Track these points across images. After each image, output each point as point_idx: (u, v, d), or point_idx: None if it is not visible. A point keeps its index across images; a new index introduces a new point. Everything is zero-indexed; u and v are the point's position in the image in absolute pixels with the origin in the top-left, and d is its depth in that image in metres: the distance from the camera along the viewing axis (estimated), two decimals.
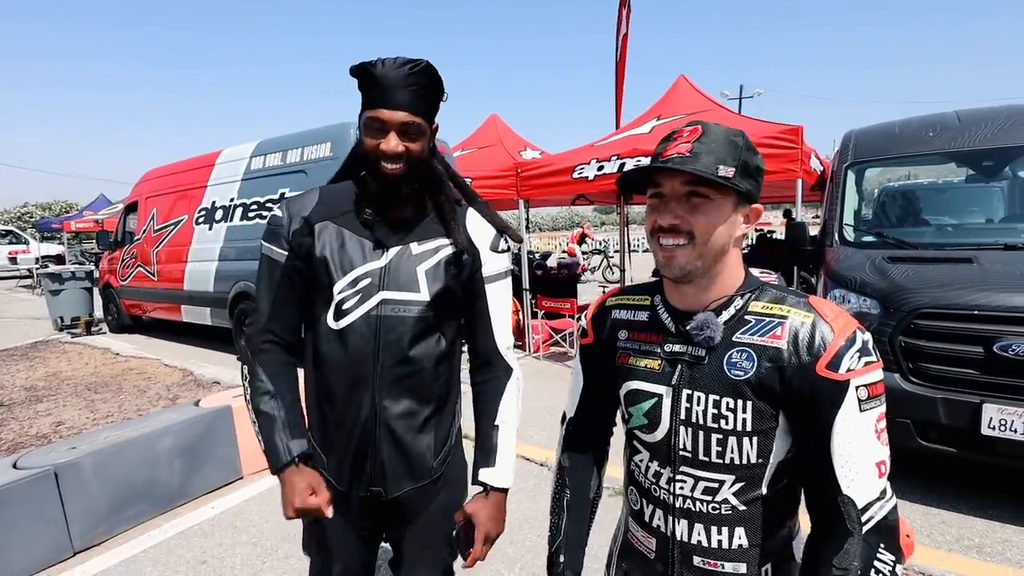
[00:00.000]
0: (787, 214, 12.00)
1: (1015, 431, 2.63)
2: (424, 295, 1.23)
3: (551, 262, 10.26)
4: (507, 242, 1.38)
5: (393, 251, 1.24)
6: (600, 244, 16.37)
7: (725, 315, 0.92)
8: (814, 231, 4.54)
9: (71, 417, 4.63)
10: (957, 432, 2.82)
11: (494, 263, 1.33)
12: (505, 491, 1.28)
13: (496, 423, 1.30)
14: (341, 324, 1.21)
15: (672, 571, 0.98)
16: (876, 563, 0.81)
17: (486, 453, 1.29)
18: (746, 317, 0.91)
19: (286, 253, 1.24)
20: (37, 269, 15.21)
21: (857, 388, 0.83)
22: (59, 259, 18.62)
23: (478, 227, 1.33)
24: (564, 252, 17.14)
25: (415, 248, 1.26)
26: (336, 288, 1.21)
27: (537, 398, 4.76)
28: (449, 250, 1.26)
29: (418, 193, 1.25)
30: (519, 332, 6.94)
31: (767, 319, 0.90)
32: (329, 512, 1.20)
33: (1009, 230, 3.61)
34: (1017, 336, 2.66)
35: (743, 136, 0.90)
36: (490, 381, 1.33)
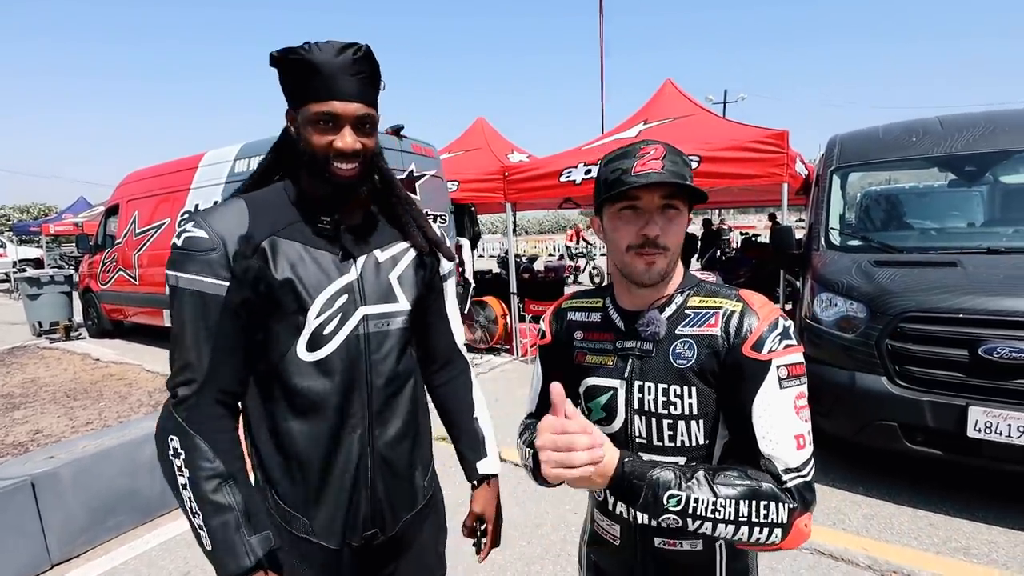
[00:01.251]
0: (772, 217, 12.14)
1: (1000, 433, 2.66)
2: (404, 304, 1.17)
3: (538, 265, 10.25)
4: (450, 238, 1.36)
5: (361, 260, 1.13)
6: (586, 248, 16.42)
7: (668, 311, 1.02)
8: (798, 235, 4.59)
9: (49, 425, 4.51)
10: (943, 435, 2.84)
11: (447, 264, 1.33)
12: (497, 475, 1.35)
13: (475, 415, 1.35)
14: (321, 354, 1.05)
15: (636, 554, 1.06)
16: (782, 498, 0.86)
17: (475, 446, 1.33)
18: (686, 311, 1.01)
19: (227, 283, 0.99)
20: (14, 273, 14.87)
21: (778, 367, 0.91)
22: (38, 263, 18.24)
23: (434, 227, 1.31)
24: (567, 244, 17.26)
25: (380, 255, 1.16)
26: (311, 312, 1.04)
27: (521, 403, 4.73)
28: (412, 253, 1.21)
29: (370, 194, 1.15)
30: (507, 336, 6.93)
31: (703, 311, 1.00)
32: None
33: (991, 234, 3.66)
34: (1001, 339, 2.70)
35: (685, 155, 1.00)
36: (457, 377, 1.36)
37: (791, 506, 0.85)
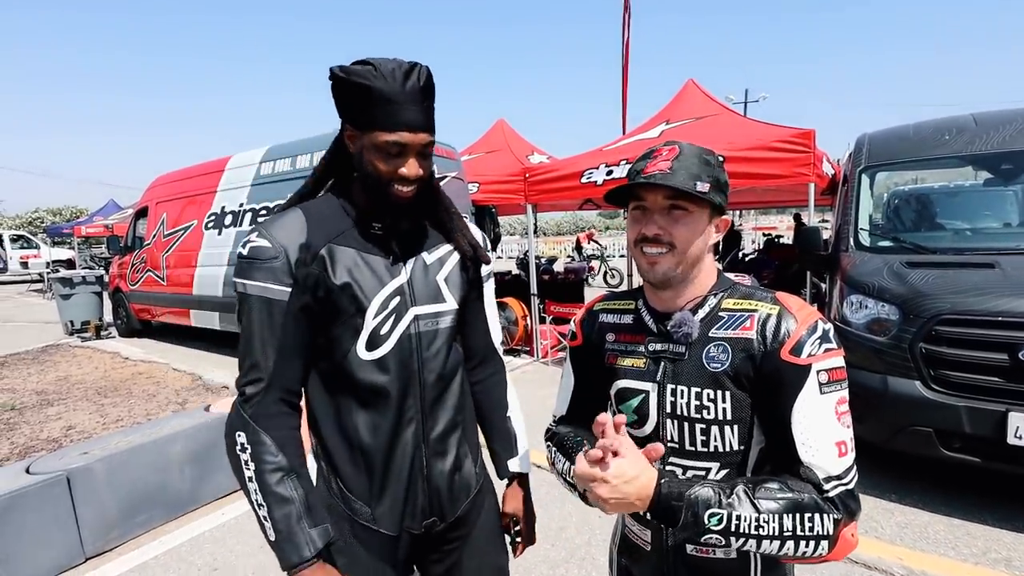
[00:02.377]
0: (797, 218, 11.93)
1: None
2: (452, 303, 1.22)
3: (557, 267, 10.22)
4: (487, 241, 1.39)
5: (410, 263, 1.18)
6: (597, 250, 16.55)
7: (701, 313, 1.00)
8: (824, 236, 4.49)
9: (81, 421, 4.63)
10: (982, 441, 2.75)
11: (486, 269, 1.36)
12: (528, 474, 1.38)
13: (508, 415, 1.39)
14: (379, 352, 1.11)
15: (667, 561, 1.04)
16: (827, 508, 0.84)
17: (507, 444, 1.37)
18: (720, 313, 0.99)
19: (289, 289, 1.05)
20: (48, 273, 15.32)
21: (818, 372, 0.89)
22: (70, 264, 18.80)
23: (474, 230, 1.34)
24: (578, 244, 17.41)
25: (427, 258, 1.21)
26: (369, 314, 1.10)
27: (545, 403, 4.72)
28: (457, 255, 1.26)
29: (424, 206, 1.20)
30: (527, 338, 6.91)
31: (738, 313, 0.98)
32: None
33: None
34: None
35: (714, 155, 0.98)
36: (493, 376, 1.39)
37: (836, 516, 0.84)
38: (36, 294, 16.63)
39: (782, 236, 15.78)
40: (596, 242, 16.90)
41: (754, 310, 0.97)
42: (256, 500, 1.02)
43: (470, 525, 1.27)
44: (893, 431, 3.00)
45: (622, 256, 20.85)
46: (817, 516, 0.83)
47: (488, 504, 1.33)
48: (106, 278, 9.79)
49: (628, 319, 1.10)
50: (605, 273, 14.85)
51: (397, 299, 1.13)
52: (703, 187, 0.93)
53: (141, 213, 8.81)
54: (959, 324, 2.83)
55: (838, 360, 0.91)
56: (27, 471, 2.71)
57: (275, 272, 1.04)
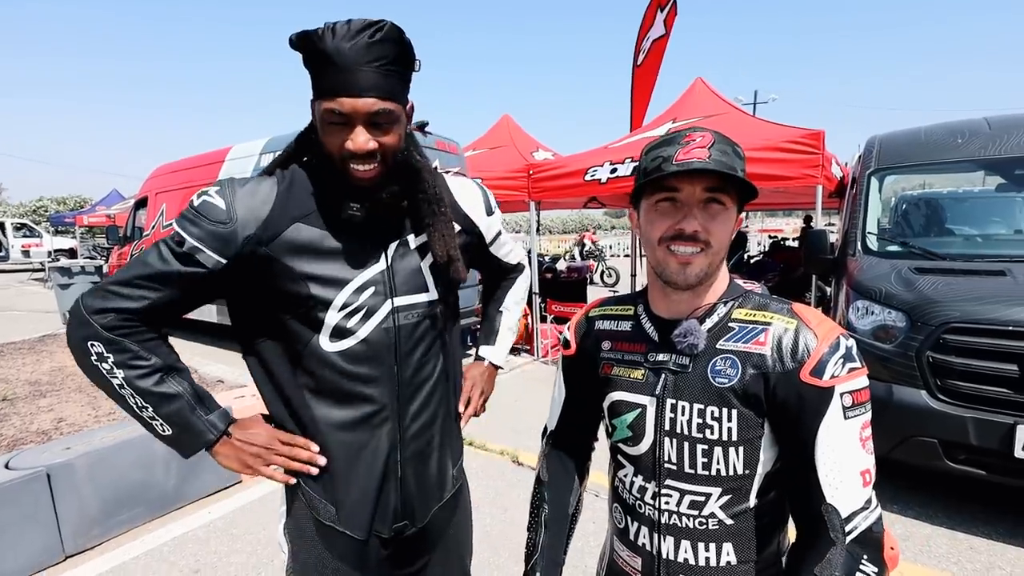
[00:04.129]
0: (807, 220, 11.83)
1: None
2: (434, 294, 1.11)
3: (560, 265, 10.14)
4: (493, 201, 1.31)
5: (391, 248, 1.05)
6: (594, 249, 16.67)
7: (709, 322, 0.91)
8: (831, 239, 4.39)
9: (72, 414, 4.57)
10: (988, 454, 2.67)
11: (494, 227, 1.28)
12: (498, 368, 1.42)
13: (501, 308, 1.43)
14: (345, 344, 1.01)
15: None
16: (858, 574, 0.79)
17: (488, 332, 1.42)
18: (729, 324, 0.91)
19: (224, 261, 0.94)
20: (49, 263, 15.33)
21: (842, 395, 0.82)
22: (71, 253, 18.81)
23: (467, 195, 1.22)
24: (582, 241, 17.56)
25: (412, 242, 1.09)
26: (333, 306, 0.99)
27: (542, 402, 4.65)
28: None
29: (401, 192, 1.05)
30: (528, 336, 6.84)
31: (750, 326, 0.89)
32: (321, 460, 1.02)
33: None
34: None
35: (739, 146, 0.89)
36: (505, 281, 1.45)
37: (869, 570, 0.80)
38: (37, 283, 16.63)
39: (788, 239, 15.69)
40: (593, 242, 17.01)
41: (768, 323, 0.88)
42: (136, 404, 0.93)
43: (440, 531, 1.19)
44: (897, 441, 2.91)
45: (626, 255, 20.78)
46: None
47: (461, 510, 1.26)
48: (106, 268, 9.76)
49: (626, 326, 1.01)
50: (602, 272, 14.85)
51: (371, 289, 1.02)
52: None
53: (141, 203, 8.77)
54: (968, 333, 2.74)
55: (863, 380, 0.84)
56: (6, 466, 2.65)
57: (216, 239, 0.93)
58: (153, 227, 8.22)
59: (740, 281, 0.99)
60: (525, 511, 1.32)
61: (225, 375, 5.54)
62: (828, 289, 5.42)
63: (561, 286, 8.27)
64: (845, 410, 0.81)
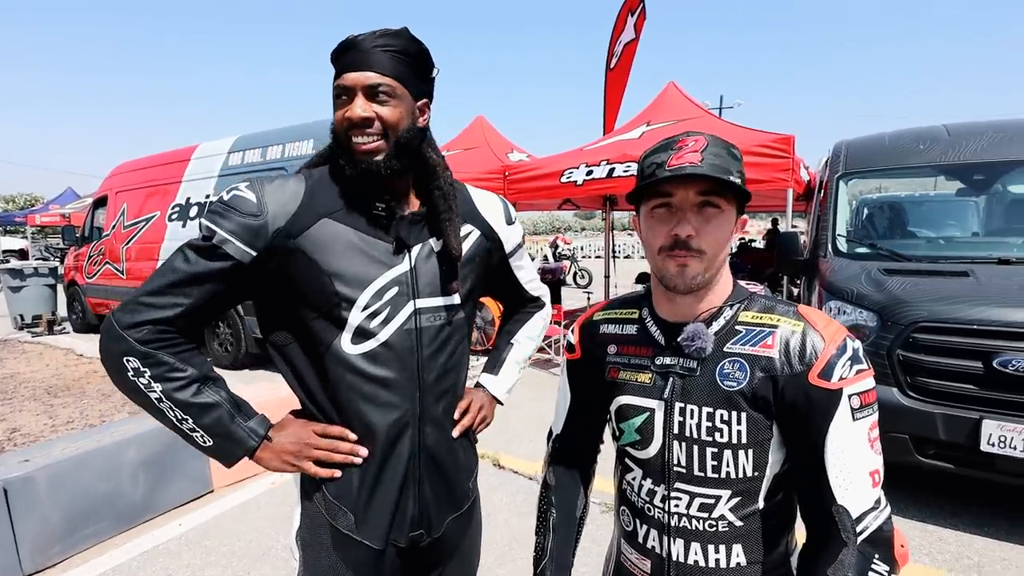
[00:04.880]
0: (774, 223, 12.18)
1: (1015, 448, 2.59)
2: (456, 299, 1.10)
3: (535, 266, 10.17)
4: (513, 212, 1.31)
5: (416, 250, 1.06)
6: (567, 251, 16.94)
7: (715, 325, 0.91)
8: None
9: (28, 424, 4.34)
10: (956, 448, 2.78)
11: (514, 237, 1.27)
12: (498, 402, 1.34)
13: (512, 341, 1.38)
14: (367, 347, 1.00)
15: None
16: (871, 574, 0.80)
17: (493, 362, 1.36)
18: (736, 327, 0.91)
19: (254, 254, 0.94)
20: None
21: (850, 397, 0.83)
22: (22, 254, 17.93)
23: (487, 203, 1.24)
24: (555, 243, 17.79)
25: (435, 244, 1.08)
26: (357, 305, 0.99)
27: (522, 407, 4.64)
28: (472, 238, 1.15)
29: (405, 176, 1.06)
30: None
31: (757, 328, 0.89)
32: (363, 451, 1.01)
33: (1000, 244, 3.60)
34: (1017, 352, 2.63)
35: (735, 147, 0.90)
36: (523, 313, 1.42)
37: (881, 569, 0.80)
38: None
39: (755, 240, 16.11)
40: (566, 243, 17.28)
41: (775, 326, 0.88)
42: (175, 417, 0.94)
43: (455, 543, 1.18)
44: None
45: (598, 256, 20.98)
46: None
47: (475, 522, 1.24)
48: (61, 270, 9.32)
49: (632, 329, 1.00)
50: (575, 274, 14.98)
51: (395, 289, 1.02)
52: (736, 181, 0.85)
53: (100, 203, 8.40)
54: (936, 332, 2.85)
55: (870, 381, 0.85)
56: None
57: (248, 231, 0.94)
58: (113, 227, 7.88)
59: (743, 283, 0.99)
60: (506, 514, 1.30)
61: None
62: (796, 289, 5.56)
63: None
64: (853, 412, 0.82)
